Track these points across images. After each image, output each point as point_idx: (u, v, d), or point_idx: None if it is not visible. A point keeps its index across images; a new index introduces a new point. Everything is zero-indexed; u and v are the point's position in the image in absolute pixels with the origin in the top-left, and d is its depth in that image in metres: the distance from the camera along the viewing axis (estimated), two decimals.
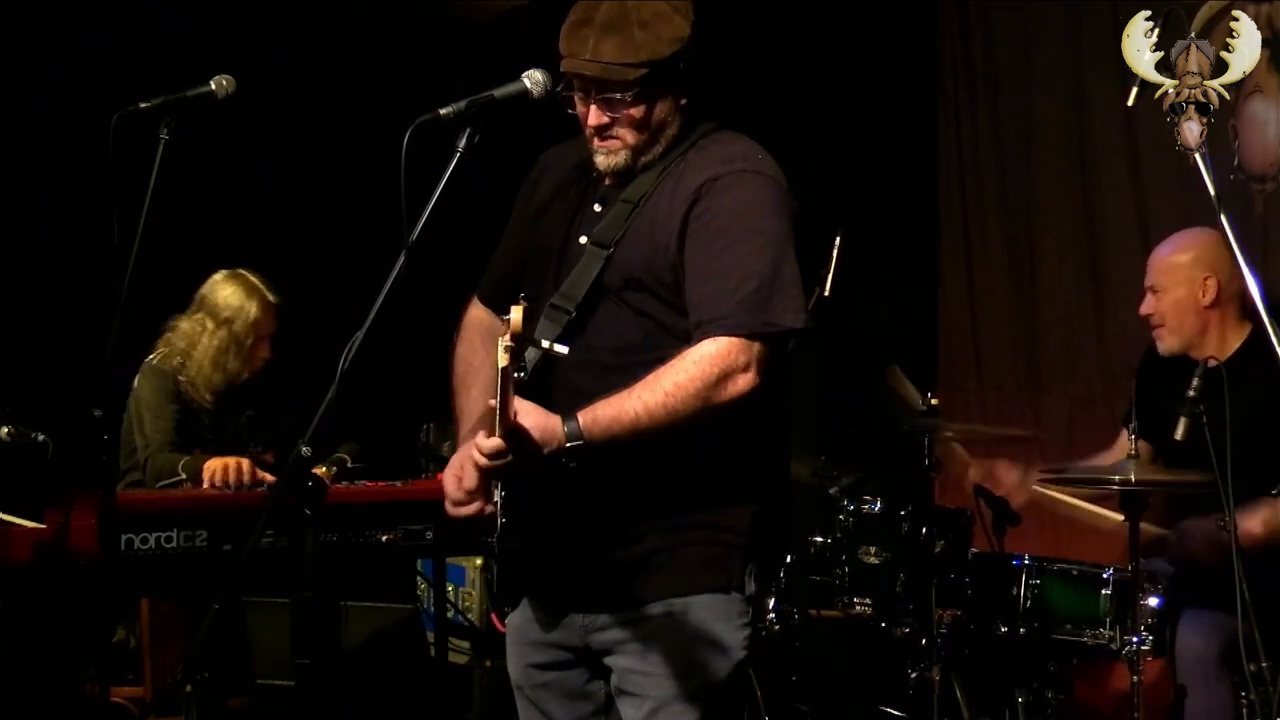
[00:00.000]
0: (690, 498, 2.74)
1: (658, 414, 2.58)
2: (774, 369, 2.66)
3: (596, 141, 2.76)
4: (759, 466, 2.80)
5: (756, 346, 2.63)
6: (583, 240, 2.78)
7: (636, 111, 2.72)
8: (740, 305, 2.63)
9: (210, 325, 4.75)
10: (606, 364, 2.71)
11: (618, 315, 2.74)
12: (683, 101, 2.77)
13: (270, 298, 4.82)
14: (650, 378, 2.60)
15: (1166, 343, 4.32)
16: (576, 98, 2.76)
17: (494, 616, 2.94)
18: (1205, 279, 4.25)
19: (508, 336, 2.40)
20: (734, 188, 2.70)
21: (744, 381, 2.62)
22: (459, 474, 2.76)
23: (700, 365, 2.60)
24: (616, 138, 2.75)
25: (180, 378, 4.72)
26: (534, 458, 2.54)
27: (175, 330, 4.78)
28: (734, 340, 2.62)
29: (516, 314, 2.39)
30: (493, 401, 2.51)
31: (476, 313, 3.05)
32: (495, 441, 2.51)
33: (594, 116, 2.74)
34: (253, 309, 4.77)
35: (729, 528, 2.76)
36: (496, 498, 2.77)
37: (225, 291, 4.79)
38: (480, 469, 2.60)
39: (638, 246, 2.73)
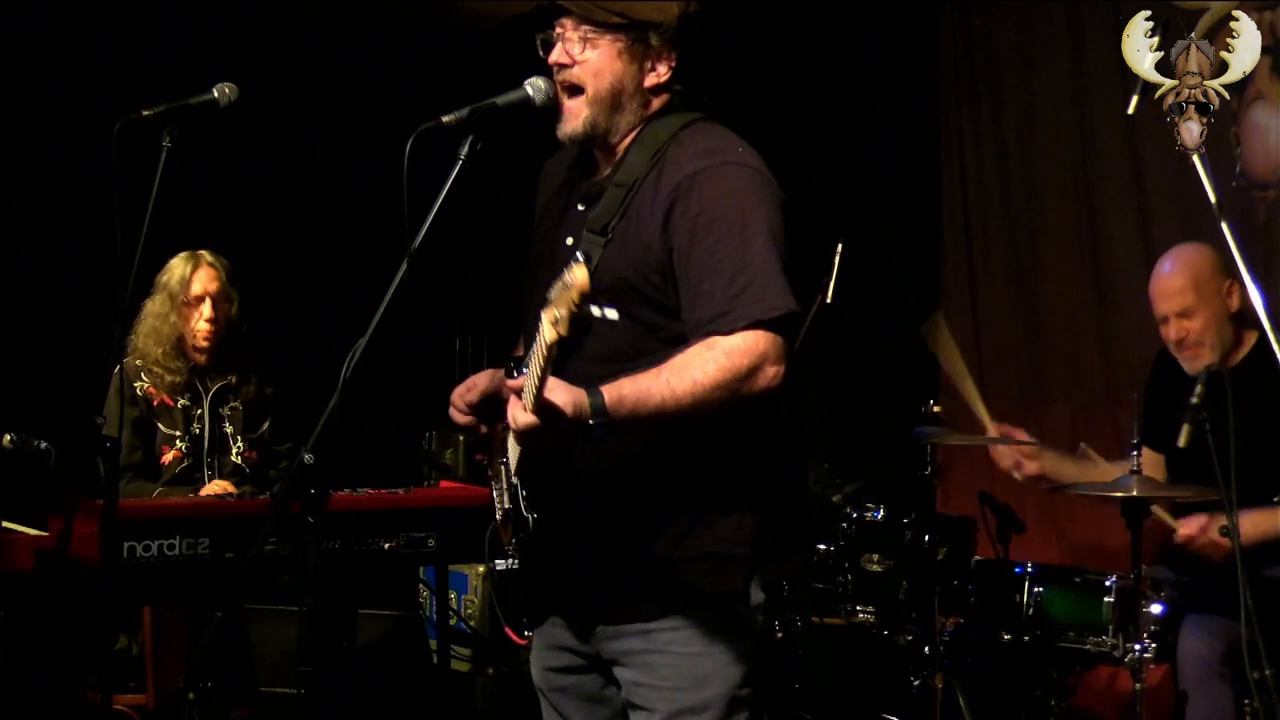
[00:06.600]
0: (692, 507, 2.71)
1: (684, 401, 2.52)
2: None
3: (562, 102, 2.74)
4: (763, 472, 2.76)
5: (776, 337, 2.58)
6: (569, 242, 2.76)
7: (597, 58, 2.70)
8: (739, 298, 2.58)
9: (155, 293, 4.85)
10: (592, 375, 2.60)
11: (605, 320, 2.69)
12: (649, 83, 2.73)
13: (209, 259, 4.88)
14: (676, 362, 2.55)
15: (1203, 360, 4.19)
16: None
17: (508, 630, 2.92)
18: (1229, 285, 4.25)
19: (574, 296, 2.28)
20: (715, 181, 2.66)
21: (773, 373, 2.57)
22: (469, 384, 2.85)
23: (731, 356, 2.54)
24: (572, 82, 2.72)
25: (136, 384, 4.74)
26: (560, 432, 2.49)
27: (139, 315, 4.83)
28: (760, 333, 2.57)
29: (581, 272, 2.28)
30: (519, 380, 2.49)
31: None
32: (530, 418, 2.46)
33: (556, 51, 2.72)
34: (186, 268, 4.84)
35: (731, 537, 2.72)
36: (500, 509, 2.73)
37: (170, 262, 4.88)
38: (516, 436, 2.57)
39: (624, 249, 2.69)
